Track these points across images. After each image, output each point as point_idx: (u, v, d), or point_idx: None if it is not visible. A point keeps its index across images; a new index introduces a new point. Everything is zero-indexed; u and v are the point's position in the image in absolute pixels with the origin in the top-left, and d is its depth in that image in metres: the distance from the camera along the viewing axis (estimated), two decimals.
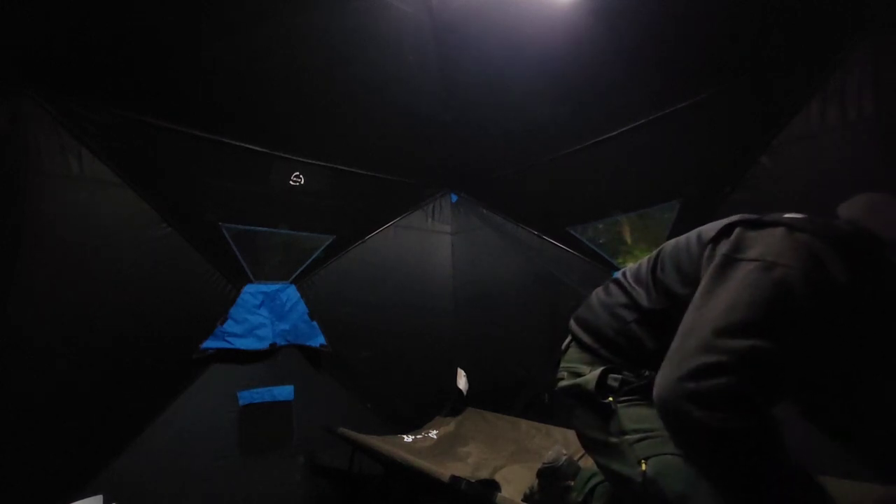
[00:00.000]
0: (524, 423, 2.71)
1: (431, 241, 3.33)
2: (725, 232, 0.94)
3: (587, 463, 1.71)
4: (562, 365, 1.23)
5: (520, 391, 2.84)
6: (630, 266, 1.20)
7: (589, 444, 1.12)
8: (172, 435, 2.15)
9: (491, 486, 1.65)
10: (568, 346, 1.24)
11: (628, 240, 2.53)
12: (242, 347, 2.39)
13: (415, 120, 2.77)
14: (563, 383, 1.18)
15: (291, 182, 2.59)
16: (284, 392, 2.52)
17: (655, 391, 0.84)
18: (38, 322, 1.83)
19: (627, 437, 0.99)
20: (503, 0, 2.19)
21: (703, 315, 0.84)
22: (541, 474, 1.65)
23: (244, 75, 2.18)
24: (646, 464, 0.93)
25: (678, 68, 1.97)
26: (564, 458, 1.61)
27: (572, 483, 1.51)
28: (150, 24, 1.87)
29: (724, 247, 0.91)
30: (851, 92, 1.58)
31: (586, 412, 1.10)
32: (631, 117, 2.22)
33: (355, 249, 2.93)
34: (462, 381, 3.17)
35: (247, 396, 2.39)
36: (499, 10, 2.22)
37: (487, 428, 2.80)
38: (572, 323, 1.26)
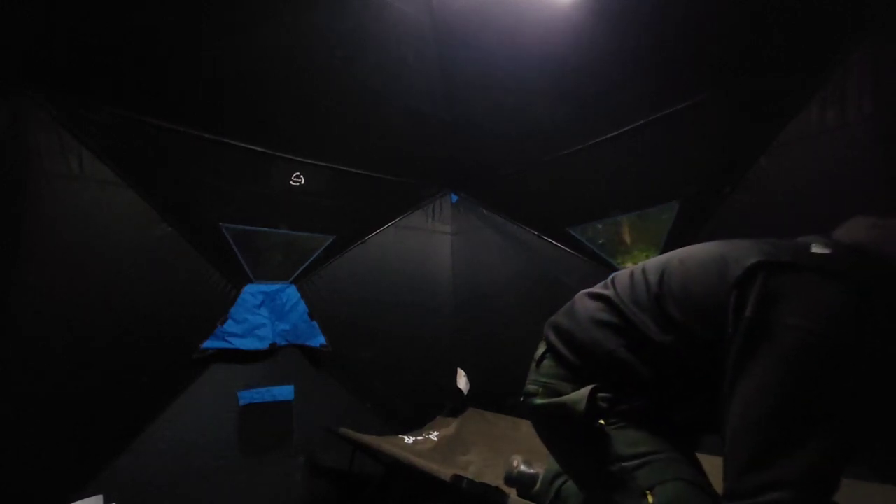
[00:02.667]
0: (525, 424, 2.71)
1: (431, 241, 3.33)
2: (752, 276, 0.80)
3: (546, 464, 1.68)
4: (534, 377, 1.10)
5: (520, 391, 2.84)
6: (619, 277, 1.07)
7: (578, 475, 1.02)
8: (172, 435, 2.15)
9: (499, 493, 1.62)
10: (542, 358, 1.11)
11: (628, 240, 2.53)
12: (242, 347, 2.39)
13: (415, 120, 2.77)
14: (538, 400, 1.04)
15: (291, 182, 2.59)
16: (284, 392, 2.52)
17: None
18: (39, 322, 1.83)
19: (625, 464, 0.89)
20: (503, 0, 2.20)
21: (751, 410, 0.75)
22: (507, 483, 1.63)
23: (244, 75, 2.18)
24: (652, 494, 0.85)
25: (678, 68, 1.97)
26: (517, 470, 1.58)
27: (534, 490, 1.48)
28: (150, 24, 1.87)
29: (752, 300, 0.78)
30: (851, 92, 1.58)
31: (573, 438, 0.98)
32: (631, 117, 2.22)
33: (355, 249, 2.93)
34: (462, 381, 3.17)
35: (247, 396, 2.39)
36: (499, 10, 2.22)
37: (488, 429, 2.80)
38: (550, 332, 1.11)
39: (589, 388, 0.94)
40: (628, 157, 2.30)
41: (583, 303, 1.09)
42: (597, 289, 1.10)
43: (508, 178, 3.00)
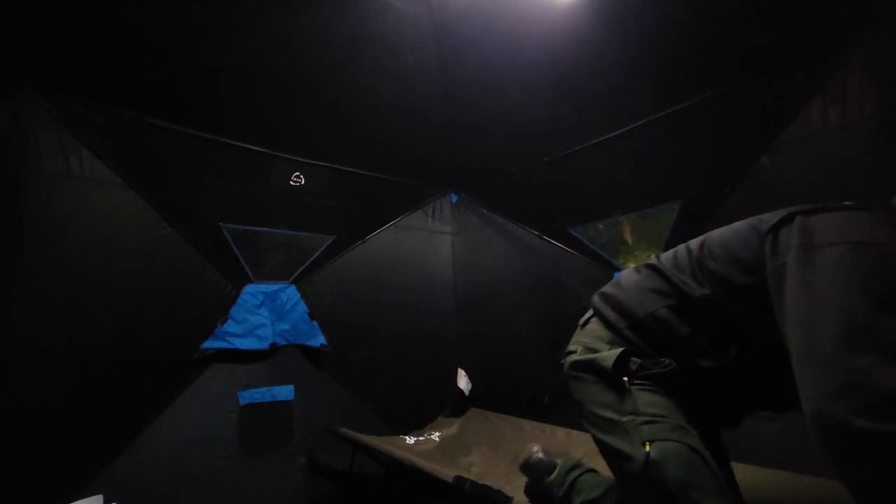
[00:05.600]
0: (527, 424, 2.71)
1: (431, 241, 3.33)
2: (786, 221, 0.89)
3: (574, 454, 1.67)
4: (576, 338, 1.20)
5: (521, 391, 2.84)
6: (663, 254, 1.18)
7: (592, 419, 1.11)
8: (173, 435, 2.14)
9: (501, 496, 1.62)
10: (587, 321, 1.21)
11: (628, 240, 2.53)
12: (243, 347, 2.38)
13: (415, 120, 2.77)
14: (574, 357, 1.15)
15: (292, 182, 2.58)
16: (284, 392, 2.51)
17: (810, 411, 0.71)
18: (39, 322, 1.83)
19: (636, 417, 0.98)
20: (503, 0, 2.20)
21: (817, 313, 0.75)
22: (522, 470, 1.64)
23: (244, 75, 2.18)
24: (650, 446, 0.93)
25: (678, 69, 1.97)
26: (535, 456, 1.59)
27: (549, 479, 1.50)
28: (150, 24, 1.87)
29: (793, 237, 0.85)
30: (851, 92, 1.58)
31: (597, 387, 1.08)
32: (631, 117, 2.23)
33: (355, 249, 2.93)
34: (463, 382, 3.17)
35: (247, 396, 2.39)
36: (499, 9, 2.22)
37: (490, 430, 2.79)
38: (596, 298, 1.22)
39: (620, 349, 1.05)
40: (628, 157, 2.31)
41: (629, 274, 1.21)
42: (642, 263, 1.20)
43: (508, 178, 3.00)
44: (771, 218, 0.93)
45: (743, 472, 1.07)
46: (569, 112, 2.41)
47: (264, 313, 2.50)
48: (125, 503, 1.89)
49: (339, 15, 2.18)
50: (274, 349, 2.51)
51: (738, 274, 0.95)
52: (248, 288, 2.46)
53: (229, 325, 2.37)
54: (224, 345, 2.33)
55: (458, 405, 3.10)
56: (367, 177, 2.89)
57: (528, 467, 1.56)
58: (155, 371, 2.13)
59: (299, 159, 2.58)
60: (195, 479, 2.16)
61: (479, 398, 3.11)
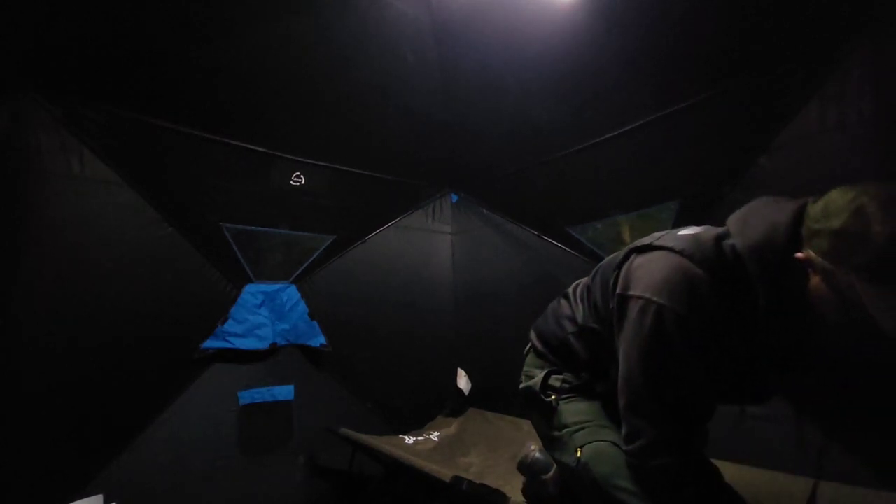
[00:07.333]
0: (526, 424, 2.70)
1: (431, 241, 3.33)
2: (626, 259, 1.01)
3: None
4: (523, 369, 1.35)
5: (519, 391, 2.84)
6: (582, 280, 1.27)
7: (541, 439, 1.24)
8: (173, 435, 2.15)
9: (500, 496, 1.62)
10: (527, 353, 1.37)
11: (628, 240, 2.53)
12: (243, 347, 2.39)
13: (415, 120, 2.77)
14: (521, 386, 1.31)
15: (292, 182, 2.59)
16: (284, 392, 2.52)
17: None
18: (39, 321, 1.83)
19: (568, 429, 1.10)
20: (503, 0, 2.20)
21: (622, 371, 0.93)
22: (519, 469, 1.65)
23: (244, 75, 2.18)
24: (581, 451, 1.05)
25: (678, 69, 1.97)
26: (531, 456, 1.60)
27: (546, 477, 1.51)
28: (151, 24, 1.87)
29: (619, 281, 0.97)
30: (851, 93, 1.58)
31: (538, 410, 1.22)
32: (631, 117, 2.22)
33: (356, 249, 2.93)
34: (462, 381, 3.17)
35: (247, 396, 2.39)
36: (499, 10, 2.22)
37: (489, 430, 2.80)
38: (531, 331, 1.36)
39: (545, 372, 1.21)
40: (628, 157, 2.30)
41: (553, 304, 1.34)
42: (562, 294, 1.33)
43: (508, 178, 3.00)
44: (622, 252, 1.03)
45: (739, 472, 1.07)
46: (568, 112, 2.40)
47: (264, 313, 2.51)
48: (125, 503, 1.90)
49: (339, 15, 2.18)
50: (274, 349, 2.51)
51: (604, 308, 1.06)
52: (249, 288, 2.47)
53: (229, 325, 2.38)
54: (224, 345, 2.34)
55: (457, 405, 3.11)
56: (367, 177, 2.89)
57: (525, 466, 1.58)
58: (155, 371, 2.14)
59: (299, 159, 2.58)
60: (195, 478, 2.16)
61: (478, 398, 3.11)
